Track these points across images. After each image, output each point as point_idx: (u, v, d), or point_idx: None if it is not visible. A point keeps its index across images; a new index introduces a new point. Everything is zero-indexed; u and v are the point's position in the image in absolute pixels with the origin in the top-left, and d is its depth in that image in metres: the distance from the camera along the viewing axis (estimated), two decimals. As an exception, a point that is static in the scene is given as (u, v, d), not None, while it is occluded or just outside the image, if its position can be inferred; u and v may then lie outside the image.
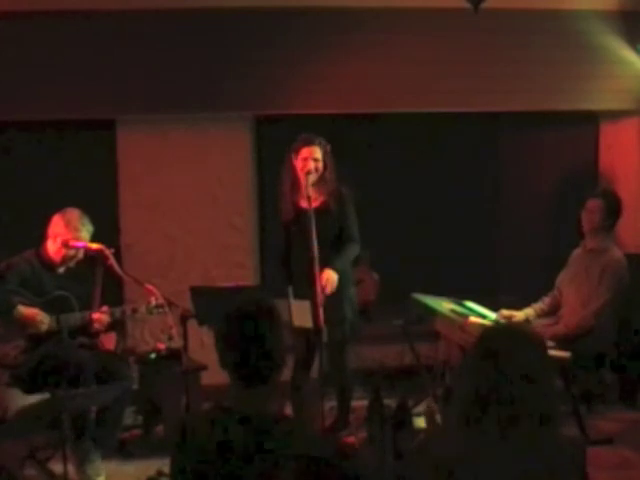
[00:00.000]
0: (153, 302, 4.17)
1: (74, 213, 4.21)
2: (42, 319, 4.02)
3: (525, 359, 2.06)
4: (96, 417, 4.21)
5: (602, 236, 4.60)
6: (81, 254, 4.25)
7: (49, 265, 4.21)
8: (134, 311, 4.30)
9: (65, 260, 4.22)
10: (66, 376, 3.99)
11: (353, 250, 4.34)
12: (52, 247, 4.20)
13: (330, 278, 4.13)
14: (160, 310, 4.15)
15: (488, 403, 2.04)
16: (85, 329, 4.21)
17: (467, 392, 2.10)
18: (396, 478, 3.48)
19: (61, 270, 4.26)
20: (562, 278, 4.79)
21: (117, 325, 4.91)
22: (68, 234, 4.15)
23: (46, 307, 4.07)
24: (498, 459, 2.01)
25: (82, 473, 4.06)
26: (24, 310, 3.98)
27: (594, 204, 4.60)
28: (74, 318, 4.13)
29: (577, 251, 4.77)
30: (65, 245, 4.17)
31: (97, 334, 4.32)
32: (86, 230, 4.21)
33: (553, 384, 2.16)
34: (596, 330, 4.45)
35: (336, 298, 4.20)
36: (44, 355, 4.03)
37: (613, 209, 4.61)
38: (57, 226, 4.18)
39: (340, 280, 4.23)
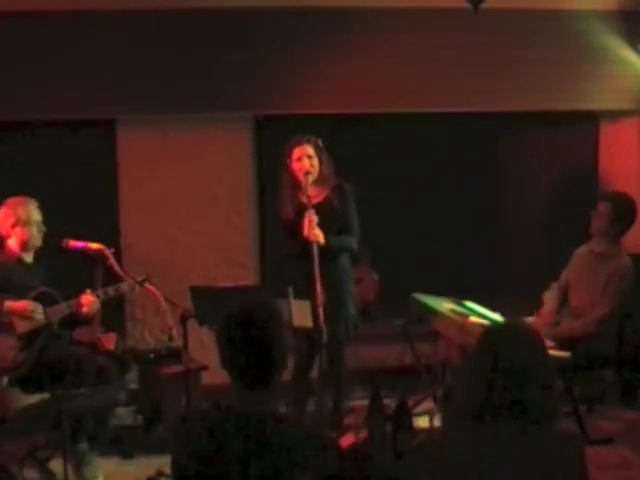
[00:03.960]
0: (138, 278, 4.18)
1: (15, 198, 4.22)
2: (34, 308, 4.00)
3: (525, 356, 2.10)
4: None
5: (609, 240, 4.56)
6: (40, 239, 4.23)
7: (17, 259, 4.20)
8: (117, 290, 4.22)
9: (26, 243, 4.19)
10: (65, 371, 3.99)
11: (350, 241, 4.29)
12: (17, 236, 4.18)
13: (319, 232, 4.04)
14: (144, 284, 4.17)
15: (491, 401, 2.07)
16: (75, 318, 4.19)
17: (470, 390, 2.13)
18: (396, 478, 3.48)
19: (29, 259, 4.25)
20: (567, 276, 4.77)
21: (117, 326, 4.92)
22: (22, 215, 4.15)
23: None
24: (502, 456, 2.05)
25: (80, 475, 4.06)
26: (13, 305, 3.96)
27: (602, 208, 4.56)
28: (60, 309, 4.12)
29: (582, 250, 4.74)
30: (65, 245, 4.19)
31: (89, 319, 4.28)
32: (33, 206, 4.20)
33: (552, 381, 2.18)
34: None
35: (339, 295, 4.20)
36: (42, 349, 4.03)
37: (622, 215, 4.53)
38: (6, 215, 4.18)
39: (341, 276, 4.23)
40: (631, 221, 4.57)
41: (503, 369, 2.07)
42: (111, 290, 4.21)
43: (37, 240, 4.23)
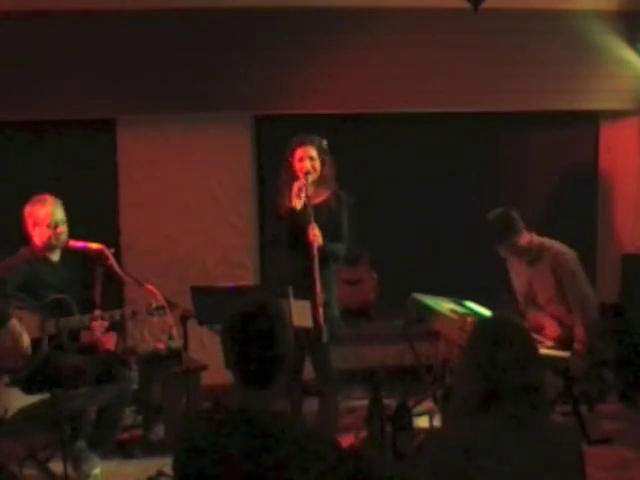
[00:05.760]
0: (153, 305, 4.11)
1: (38, 197, 4.21)
2: (27, 348, 3.91)
3: (520, 343, 2.17)
4: (96, 418, 4.21)
5: (525, 246, 4.52)
6: (65, 235, 4.21)
7: (44, 257, 4.20)
8: (134, 313, 4.26)
9: (51, 242, 4.18)
10: (66, 381, 3.99)
11: (340, 249, 4.22)
12: (37, 236, 4.17)
13: (318, 232, 4.02)
14: (160, 312, 4.12)
15: (491, 389, 2.11)
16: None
17: (468, 381, 2.17)
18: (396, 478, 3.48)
19: (55, 259, 4.24)
20: (518, 290, 4.77)
21: (117, 326, 4.92)
22: (40, 215, 4.14)
23: (45, 311, 4.05)
24: (502, 442, 2.09)
25: (78, 470, 4.07)
26: (16, 327, 3.89)
27: (506, 256, 4.56)
28: (73, 321, 4.11)
29: (512, 261, 4.72)
30: (65, 246, 4.19)
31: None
32: (54, 205, 4.19)
33: (543, 368, 2.27)
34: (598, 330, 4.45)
35: (327, 296, 4.14)
36: (44, 359, 4.02)
37: (505, 235, 4.45)
38: (28, 214, 4.17)
39: (329, 278, 4.19)
40: (516, 225, 4.46)
41: (501, 357, 2.12)
42: (128, 312, 4.22)
43: (57, 241, 4.20)
